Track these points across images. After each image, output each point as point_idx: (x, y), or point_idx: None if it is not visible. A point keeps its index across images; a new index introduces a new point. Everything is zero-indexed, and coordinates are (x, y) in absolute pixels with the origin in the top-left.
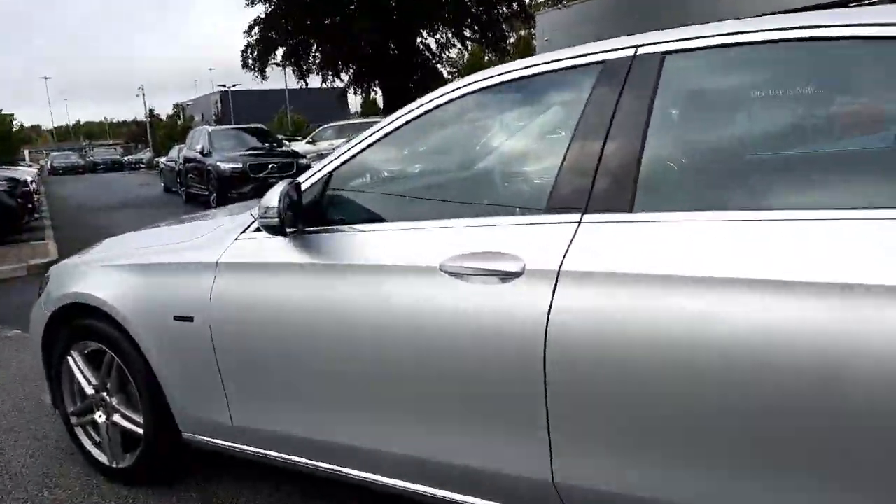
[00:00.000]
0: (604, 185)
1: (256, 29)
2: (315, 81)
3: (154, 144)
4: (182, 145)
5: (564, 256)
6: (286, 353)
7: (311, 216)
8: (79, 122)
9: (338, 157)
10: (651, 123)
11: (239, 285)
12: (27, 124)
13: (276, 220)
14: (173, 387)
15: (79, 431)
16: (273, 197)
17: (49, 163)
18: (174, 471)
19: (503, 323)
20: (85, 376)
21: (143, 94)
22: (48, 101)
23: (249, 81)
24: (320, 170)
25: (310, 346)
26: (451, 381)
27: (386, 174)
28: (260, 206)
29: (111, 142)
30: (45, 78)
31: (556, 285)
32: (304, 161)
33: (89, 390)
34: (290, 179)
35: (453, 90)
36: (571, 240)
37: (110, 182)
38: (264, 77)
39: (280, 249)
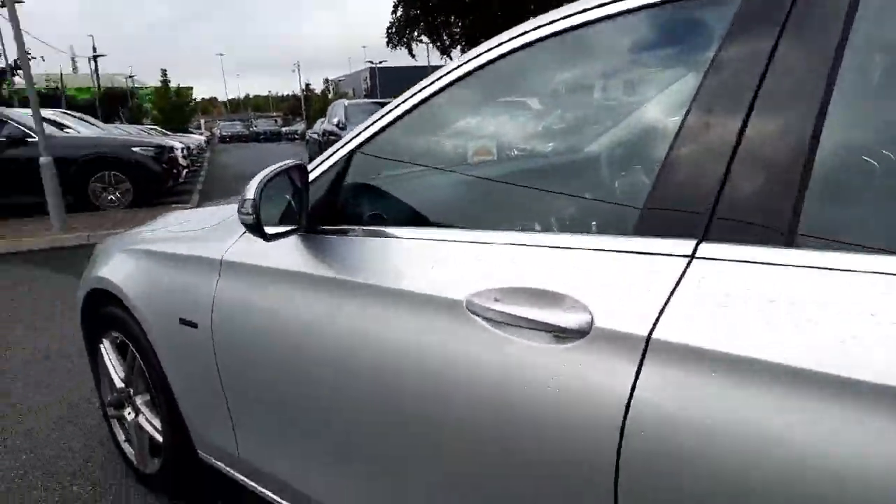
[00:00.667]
0: (741, 195)
1: (400, 6)
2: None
3: (307, 117)
4: (324, 119)
5: (661, 314)
6: (278, 383)
7: (323, 211)
8: (248, 95)
9: (358, 135)
10: (836, 92)
11: (237, 291)
12: (206, 96)
13: (251, 217)
14: (184, 399)
15: (114, 423)
16: (252, 185)
17: (219, 131)
18: (197, 489)
19: (550, 410)
20: (115, 368)
21: (299, 70)
22: (223, 76)
23: (397, 58)
24: (337, 151)
25: (304, 380)
26: (469, 463)
27: (418, 159)
28: (241, 197)
29: (273, 114)
30: (220, 55)
31: (642, 361)
32: None
33: (119, 384)
34: (290, 162)
35: (519, 35)
36: (676, 286)
37: (267, 151)
38: (411, 54)
39: (279, 251)
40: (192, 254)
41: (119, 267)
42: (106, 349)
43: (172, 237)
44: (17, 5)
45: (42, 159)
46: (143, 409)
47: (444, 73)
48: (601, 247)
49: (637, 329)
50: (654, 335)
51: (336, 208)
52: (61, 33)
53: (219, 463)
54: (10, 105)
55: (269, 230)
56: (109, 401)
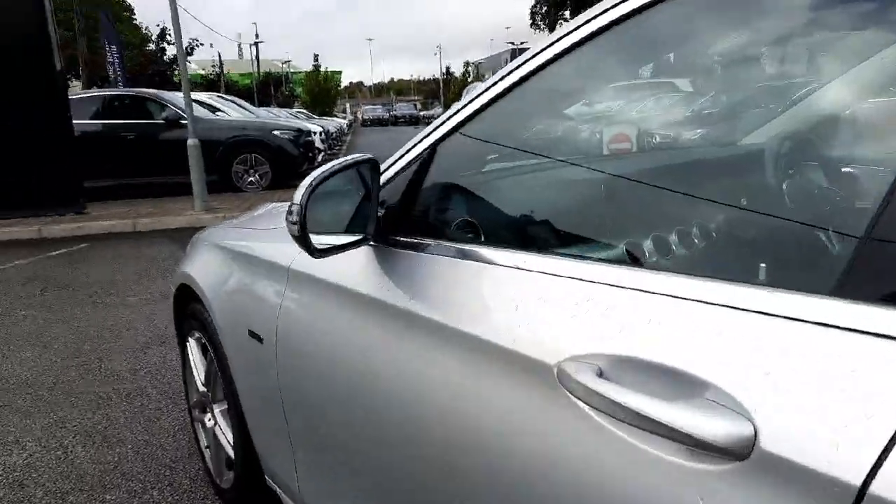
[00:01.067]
0: None
1: None
2: None
3: (445, 100)
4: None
5: (890, 450)
6: (338, 421)
7: (398, 218)
8: (392, 79)
9: (446, 120)
10: None
11: (301, 307)
12: (354, 80)
13: (296, 227)
14: (251, 417)
15: (197, 427)
16: (302, 187)
17: (361, 115)
18: None
19: None
20: (197, 369)
21: (440, 54)
22: (370, 60)
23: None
24: (418, 143)
25: (366, 422)
26: None
27: (525, 149)
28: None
29: (413, 98)
30: (369, 39)
31: None
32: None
33: (201, 387)
34: (358, 156)
35: None
36: None
37: (403, 133)
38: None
39: (345, 264)
40: (263, 257)
41: (201, 263)
42: (191, 347)
43: (253, 235)
44: None
45: (189, 141)
46: (220, 418)
47: (570, 29)
48: (782, 311)
49: (842, 470)
50: (873, 487)
51: (414, 215)
52: (230, 22)
53: (283, 495)
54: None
55: (322, 242)
56: (193, 402)
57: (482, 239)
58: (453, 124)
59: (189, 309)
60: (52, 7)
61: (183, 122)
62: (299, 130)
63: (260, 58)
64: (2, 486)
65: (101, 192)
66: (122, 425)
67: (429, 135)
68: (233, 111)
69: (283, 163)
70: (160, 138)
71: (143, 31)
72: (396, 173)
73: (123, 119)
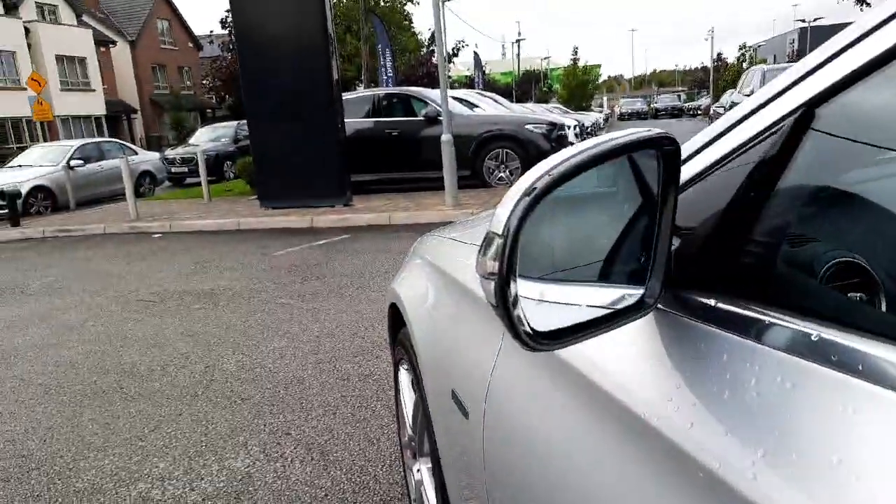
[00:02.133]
0: None
1: None
2: None
3: (714, 89)
4: (734, 90)
5: None
6: None
7: (718, 259)
8: (654, 70)
9: (827, 61)
10: None
11: (520, 378)
12: (613, 74)
13: (490, 283)
14: (451, 490)
15: (408, 472)
16: (507, 201)
17: (619, 108)
18: None
19: None
20: (406, 407)
21: (712, 39)
22: (631, 52)
23: (836, 13)
24: (760, 108)
25: None
26: None
27: None
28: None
29: (677, 88)
30: (632, 30)
31: None
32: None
33: (409, 430)
34: (630, 133)
35: None
36: None
37: (664, 126)
38: (865, 3)
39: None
40: (474, 290)
41: (410, 283)
42: (402, 380)
43: (466, 253)
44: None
45: (443, 136)
46: (425, 475)
47: None
48: None
49: None
50: None
51: (751, 253)
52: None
53: None
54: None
55: (545, 298)
56: (404, 442)
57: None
58: (850, 70)
59: (400, 334)
60: (334, 25)
61: (441, 118)
62: (552, 124)
63: (521, 56)
64: (221, 497)
65: (364, 186)
66: (342, 441)
67: (786, 90)
68: (489, 107)
69: (535, 157)
70: (420, 135)
71: (418, 37)
72: (709, 168)
73: (389, 117)
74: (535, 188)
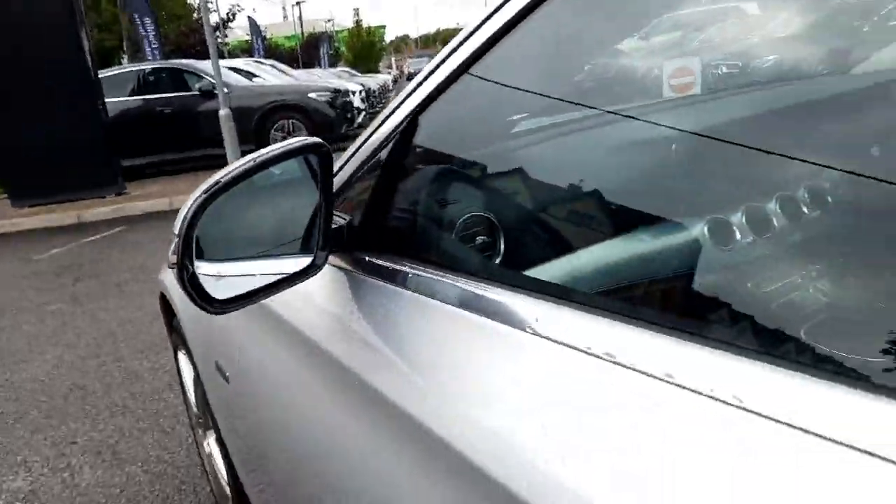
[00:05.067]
0: None
1: None
2: None
3: None
4: None
5: None
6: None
7: (367, 227)
8: (438, 29)
9: (428, 76)
10: None
11: (258, 343)
12: (399, 34)
13: (175, 266)
14: (235, 456)
15: (200, 447)
16: (184, 209)
17: (407, 69)
18: None
19: None
20: (188, 387)
21: None
22: (415, 12)
23: None
24: (390, 115)
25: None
26: None
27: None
28: None
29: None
30: None
31: None
32: None
33: (194, 409)
34: (297, 141)
35: None
36: None
37: None
38: None
39: (309, 286)
40: None
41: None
42: (182, 362)
43: None
44: None
45: (221, 111)
46: (214, 447)
47: None
48: None
49: None
50: None
51: (385, 222)
52: None
53: None
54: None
55: (252, 272)
56: (194, 421)
57: (500, 254)
58: (438, 83)
59: (174, 322)
60: None
61: (217, 91)
62: (336, 91)
63: (304, 18)
64: None
65: (140, 171)
66: (135, 437)
67: (404, 101)
68: (270, 76)
69: (321, 126)
70: (196, 111)
71: (187, 1)
72: (364, 163)
73: (159, 93)
74: (203, 195)
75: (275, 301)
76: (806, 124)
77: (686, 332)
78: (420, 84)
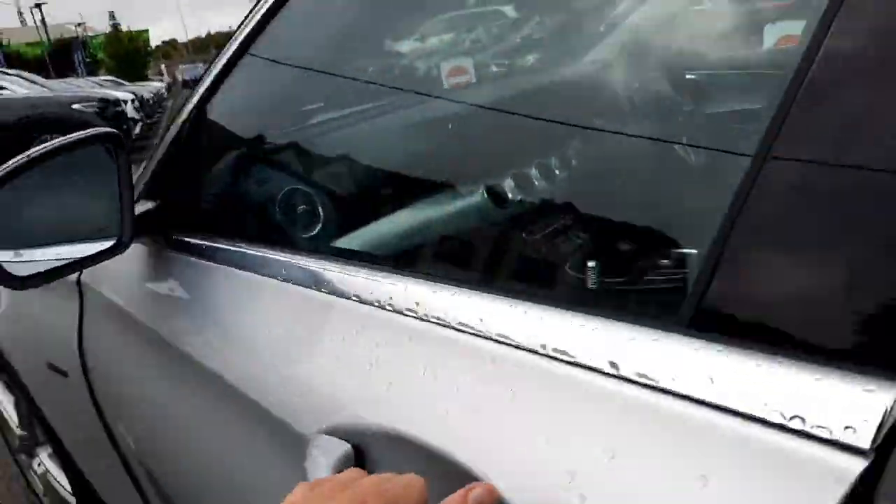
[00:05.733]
0: None
1: None
2: None
3: None
4: None
5: None
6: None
7: (179, 210)
8: (209, 32)
9: (210, 72)
10: None
11: (98, 330)
12: (166, 38)
13: None
14: (79, 457)
15: (29, 474)
16: None
17: (181, 76)
18: None
19: None
20: (6, 411)
21: None
22: (180, 15)
23: None
24: (183, 106)
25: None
26: None
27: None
28: None
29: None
30: None
31: None
32: None
33: (18, 431)
34: (93, 131)
35: None
36: None
37: None
38: None
39: (128, 269)
40: None
41: None
42: None
43: None
44: None
45: None
46: (49, 462)
47: None
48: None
49: None
50: None
51: (195, 204)
52: None
53: None
54: None
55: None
56: (16, 447)
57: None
58: (213, 78)
59: None
60: None
61: None
62: (104, 101)
63: (48, 23)
64: None
65: None
66: None
67: (191, 98)
68: (19, 88)
69: None
70: None
71: None
72: (169, 150)
73: None
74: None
75: (104, 288)
76: (555, 108)
77: (470, 282)
78: (211, 68)
